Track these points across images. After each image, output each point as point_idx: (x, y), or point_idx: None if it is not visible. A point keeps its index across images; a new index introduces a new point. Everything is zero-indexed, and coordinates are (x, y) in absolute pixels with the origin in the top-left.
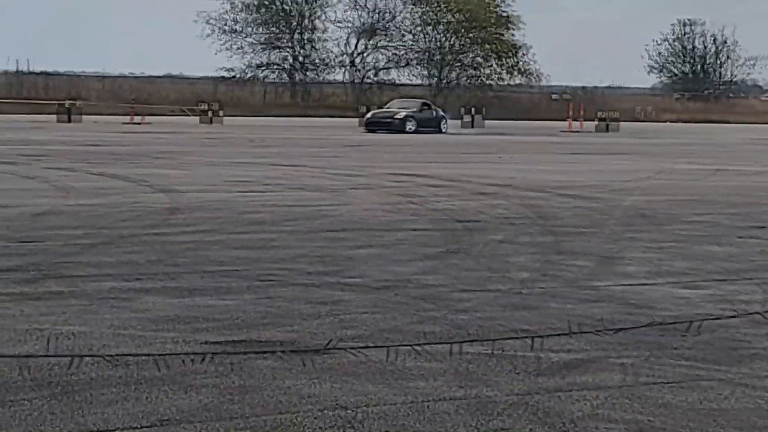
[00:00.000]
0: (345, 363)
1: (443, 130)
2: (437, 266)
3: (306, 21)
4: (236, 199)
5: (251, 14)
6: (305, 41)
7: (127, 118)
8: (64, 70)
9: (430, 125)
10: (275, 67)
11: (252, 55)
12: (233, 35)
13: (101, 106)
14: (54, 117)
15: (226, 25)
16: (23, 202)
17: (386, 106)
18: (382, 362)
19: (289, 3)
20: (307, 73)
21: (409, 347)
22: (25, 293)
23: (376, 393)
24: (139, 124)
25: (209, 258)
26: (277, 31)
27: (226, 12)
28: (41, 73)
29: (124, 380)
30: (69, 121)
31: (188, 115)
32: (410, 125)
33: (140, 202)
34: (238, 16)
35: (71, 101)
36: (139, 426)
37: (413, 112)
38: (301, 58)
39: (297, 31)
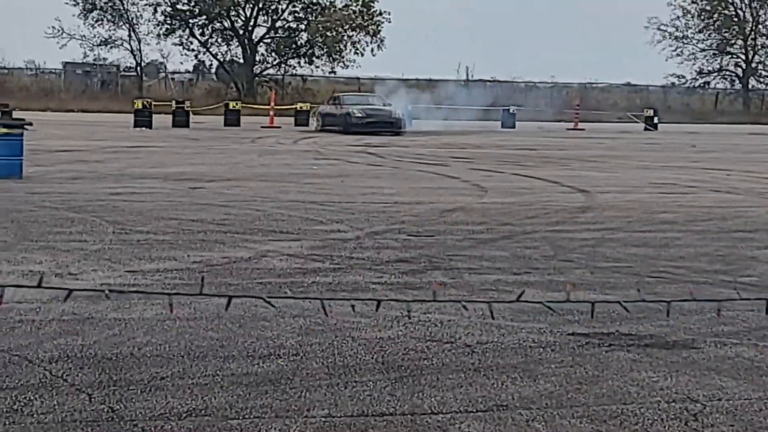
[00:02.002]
0: (711, 358)
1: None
2: None
3: (759, 26)
4: (653, 200)
5: (704, 20)
6: (758, 47)
7: (571, 124)
8: (505, 78)
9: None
10: (726, 73)
11: (702, 61)
12: (684, 41)
13: (546, 113)
14: (498, 123)
15: (678, 31)
16: (439, 199)
17: (340, 103)
18: (751, 359)
19: (743, 8)
20: (760, 80)
21: None
22: (407, 282)
23: (733, 388)
24: (582, 130)
25: (604, 255)
26: (729, 36)
27: (677, 18)
28: (487, 80)
29: (474, 366)
30: (513, 126)
31: (636, 122)
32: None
33: (554, 201)
34: (690, 22)
35: (516, 107)
36: (473, 410)
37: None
38: (753, 65)
39: (750, 36)
